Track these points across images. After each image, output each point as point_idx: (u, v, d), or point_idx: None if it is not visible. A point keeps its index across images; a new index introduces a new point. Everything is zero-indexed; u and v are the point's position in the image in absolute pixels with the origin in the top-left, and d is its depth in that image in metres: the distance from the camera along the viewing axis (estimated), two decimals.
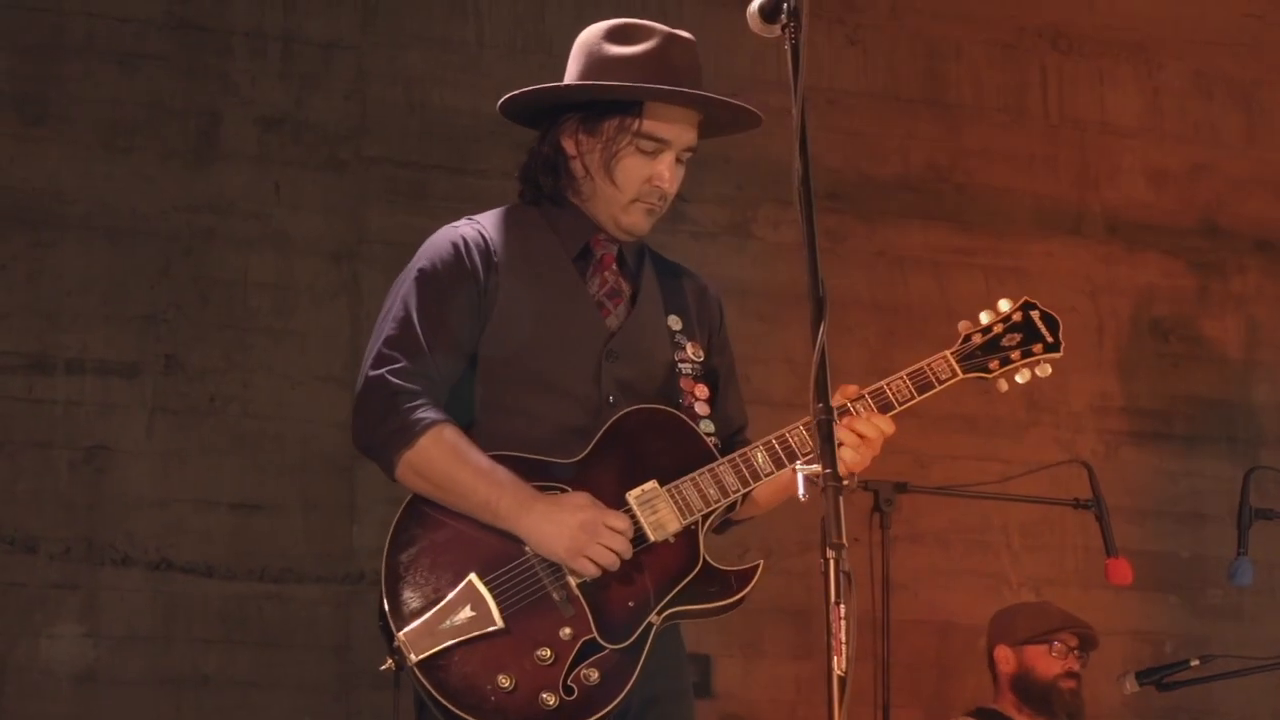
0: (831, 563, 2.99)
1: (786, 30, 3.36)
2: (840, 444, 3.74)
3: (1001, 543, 7.63)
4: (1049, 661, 6.49)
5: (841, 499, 3.04)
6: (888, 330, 7.50)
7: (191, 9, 7.00)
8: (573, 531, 3.70)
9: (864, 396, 3.91)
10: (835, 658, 2.95)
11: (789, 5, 3.36)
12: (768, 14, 3.40)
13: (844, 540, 3.00)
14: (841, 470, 3.73)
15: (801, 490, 3.22)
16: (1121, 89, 8.22)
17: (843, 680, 2.95)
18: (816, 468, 3.10)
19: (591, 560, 3.69)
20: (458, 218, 4.11)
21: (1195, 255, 8.18)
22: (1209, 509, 7.94)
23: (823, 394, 3.13)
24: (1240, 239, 8.25)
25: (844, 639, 2.95)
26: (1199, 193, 8.25)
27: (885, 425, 3.88)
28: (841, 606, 2.96)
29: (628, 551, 3.72)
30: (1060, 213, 8.02)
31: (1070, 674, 6.49)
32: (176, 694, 6.59)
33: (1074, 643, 6.51)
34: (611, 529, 3.71)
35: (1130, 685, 6.24)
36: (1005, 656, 6.56)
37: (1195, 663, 6.24)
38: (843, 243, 7.44)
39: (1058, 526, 7.51)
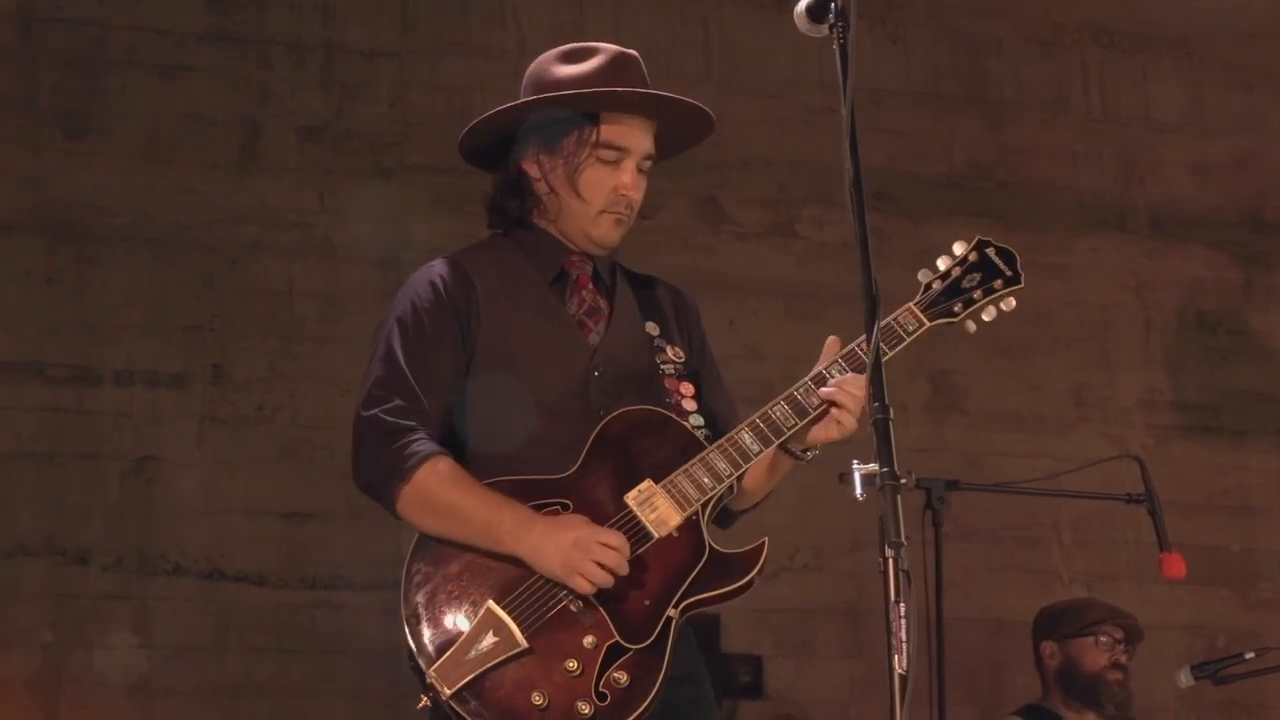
0: (891, 561, 3.00)
1: (834, 30, 3.36)
2: (842, 408, 3.81)
3: (1052, 539, 7.62)
4: (1094, 654, 6.47)
5: (899, 497, 3.04)
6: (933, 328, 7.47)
7: (232, 21, 7.03)
8: (566, 550, 3.66)
9: (837, 360, 3.88)
10: (896, 656, 2.96)
11: (837, 5, 3.37)
12: (815, 14, 3.40)
13: (903, 539, 3.00)
14: (839, 434, 3.82)
15: (859, 489, 3.22)
16: (1163, 83, 8.21)
17: (904, 678, 2.96)
18: (873, 466, 3.11)
19: (585, 578, 3.66)
20: None
21: (1240, 248, 8.16)
22: (1258, 502, 7.94)
23: (879, 393, 3.13)
24: None
25: (904, 637, 2.96)
26: (1243, 185, 8.23)
27: (861, 386, 3.79)
28: (902, 605, 2.97)
29: (622, 567, 3.68)
30: (1104, 208, 8.01)
31: (1116, 665, 6.46)
32: (230, 703, 6.62)
33: (1119, 635, 6.48)
34: (604, 545, 3.67)
35: (1185, 678, 6.19)
36: (1051, 652, 6.54)
37: (1250, 655, 6.20)
38: (888, 242, 7.41)
39: (1108, 522, 7.50)
